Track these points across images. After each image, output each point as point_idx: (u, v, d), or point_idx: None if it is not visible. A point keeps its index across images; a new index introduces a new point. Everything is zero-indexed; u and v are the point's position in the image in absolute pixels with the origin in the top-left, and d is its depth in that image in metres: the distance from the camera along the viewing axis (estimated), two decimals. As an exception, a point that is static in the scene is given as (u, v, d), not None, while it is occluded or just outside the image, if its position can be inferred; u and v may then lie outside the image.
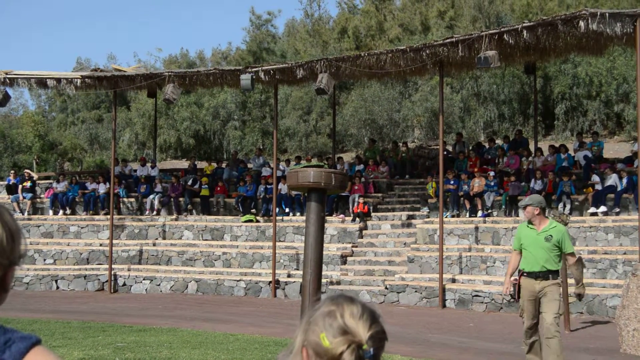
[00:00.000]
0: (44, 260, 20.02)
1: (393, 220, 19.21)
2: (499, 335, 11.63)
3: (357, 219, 19.05)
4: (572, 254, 7.60)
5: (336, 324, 1.60)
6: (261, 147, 30.51)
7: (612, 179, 17.03)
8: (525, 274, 7.51)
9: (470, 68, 18.53)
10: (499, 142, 22.07)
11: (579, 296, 8.24)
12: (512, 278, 7.77)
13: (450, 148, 21.87)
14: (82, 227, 21.09)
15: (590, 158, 18.65)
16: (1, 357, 1.57)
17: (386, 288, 16.25)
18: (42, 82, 19.62)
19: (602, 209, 16.61)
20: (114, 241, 19.54)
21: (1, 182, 24.98)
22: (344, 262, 17.91)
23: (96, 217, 21.54)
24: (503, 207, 18.04)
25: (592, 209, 16.74)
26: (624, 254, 15.00)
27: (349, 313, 1.62)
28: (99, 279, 19.10)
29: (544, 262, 7.38)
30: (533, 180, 18.05)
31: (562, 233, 7.47)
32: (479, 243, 17.06)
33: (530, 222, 7.57)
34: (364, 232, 18.96)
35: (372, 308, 1.68)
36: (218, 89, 29.00)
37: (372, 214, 19.51)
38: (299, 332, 1.68)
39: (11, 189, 22.97)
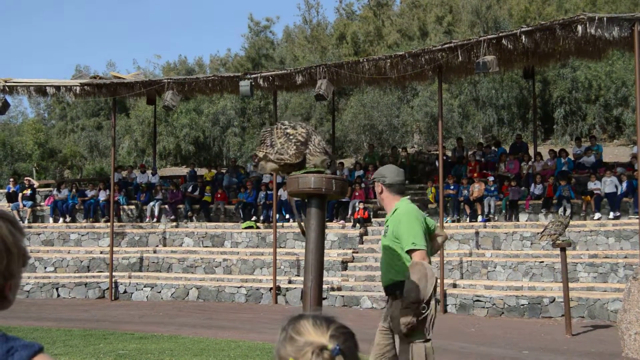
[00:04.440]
0: (45, 268, 20.00)
1: (393, 225, 19.17)
2: (500, 340, 11.62)
3: (358, 224, 19.04)
4: (415, 252, 4.51)
5: (297, 344, 1.68)
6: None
7: (612, 183, 17.05)
8: None
9: (469, 73, 18.57)
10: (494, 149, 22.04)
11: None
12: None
13: (449, 153, 21.88)
14: (82, 235, 21.08)
15: (596, 163, 18.71)
16: (4, 365, 1.57)
17: (387, 293, 16.22)
18: (41, 90, 19.62)
19: (597, 215, 16.75)
20: (115, 248, 19.52)
21: (1, 190, 24.98)
22: (345, 268, 17.90)
23: (96, 224, 21.54)
24: (503, 211, 18.06)
25: (597, 215, 16.79)
26: (625, 257, 15.01)
27: (303, 328, 1.69)
28: (99, 287, 19.08)
29: (385, 271, 4.77)
30: (533, 184, 18.08)
31: (398, 219, 4.62)
32: (480, 248, 17.06)
33: None
34: (364, 237, 18.95)
35: (325, 314, 1.75)
36: (217, 95, 29.01)
37: (373, 220, 19.50)
38: None
39: (11, 197, 22.97)
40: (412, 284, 4.31)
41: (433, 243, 4.92)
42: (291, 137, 3.70)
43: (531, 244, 16.48)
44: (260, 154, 3.81)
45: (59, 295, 19.06)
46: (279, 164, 3.69)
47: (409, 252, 4.51)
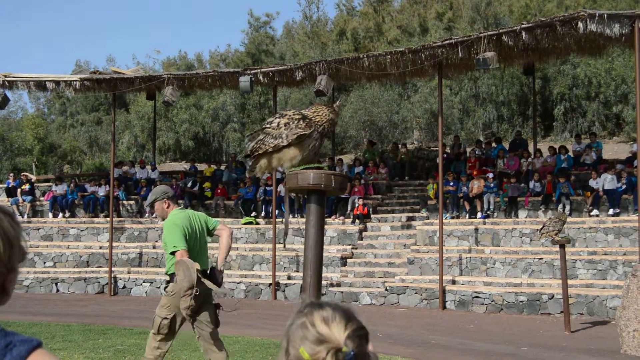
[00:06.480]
0: (44, 263, 20.00)
1: (393, 221, 19.21)
2: (499, 337, 11.63)
3: (357, 220, 19.04)
4: (176, 253, 5.72)
5: (310, 335, 1.57)
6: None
7: (611, 180, 17.03)
8: None
9: (469, 69, 18.54)
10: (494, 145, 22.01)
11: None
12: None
13: (448, 150, 21.88)
14: (81, 230, 21.08)
15: (596, 160, 18.70)
16: (2, 360, 1.57)
17: (386, 290, 16.25)
18: (41, 85, 19.61)
19: (595, 212, 16.75)
20: (114, 244, 19.53)
21: (1, 185, 24.98)
22: (344, 264, 17.91)
23: (96, 219, 21.54)
24: (503, 208, 18.06)
25: (595, 212, 16.79)
26: (624, 254, 15.01)
27: (320, 319, 1.59)
28: (99, 282, 19.09)
29: (167, 261, 5.99)
30: (532, 181, 18.08)
31: (164, 228, 5.89)
32: (479, 244, 17.06)
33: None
34: (363, 233, 18.95)
35: (345, 307, 1.64)
36: (217, 91, 29.00)
37: (372, 216, 19.50)
38: (280, 352, 1.66)
39: (10, 192, 22.97)
40: (181, 276, 5.49)
41: (220, 238, 6.13)
42: (290, 122, 3.72)
43: (530, 240, 16.48)
44: (269, 148, 3.79)
45: (58, 290, 19.07)
46: (299, 139, 3.68)
47: (173, 253, 5.71)
